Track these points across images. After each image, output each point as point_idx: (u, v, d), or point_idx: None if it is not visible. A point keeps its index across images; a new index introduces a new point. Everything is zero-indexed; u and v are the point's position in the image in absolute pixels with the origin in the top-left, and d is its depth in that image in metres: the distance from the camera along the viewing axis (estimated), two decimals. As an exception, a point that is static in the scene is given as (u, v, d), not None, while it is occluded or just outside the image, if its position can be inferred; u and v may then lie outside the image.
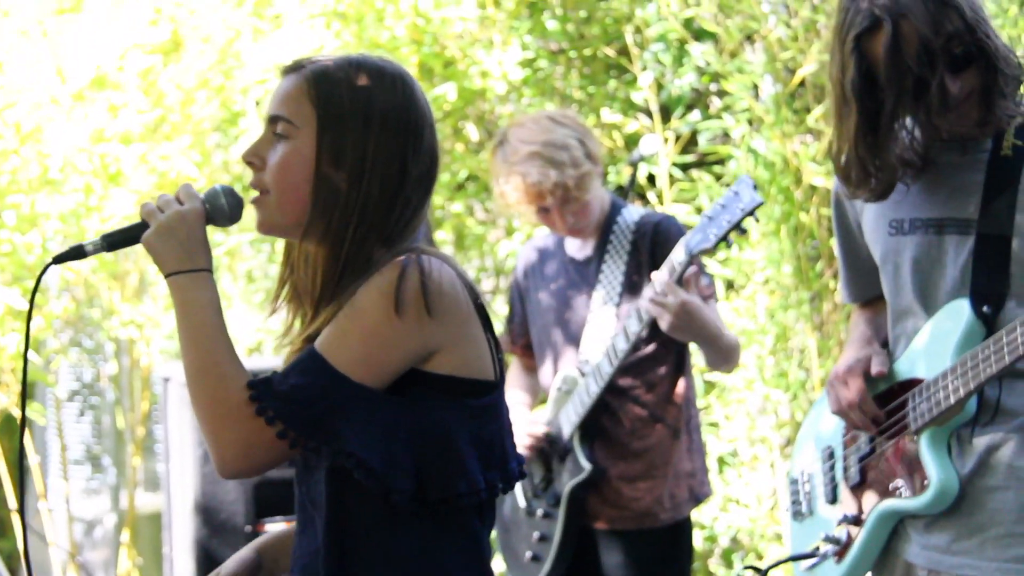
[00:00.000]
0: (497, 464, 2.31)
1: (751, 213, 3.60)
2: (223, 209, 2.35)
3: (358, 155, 2.27)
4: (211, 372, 2.23)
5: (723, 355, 3.94)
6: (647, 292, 3.76)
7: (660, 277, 3.74)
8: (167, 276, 2.29)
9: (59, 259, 2.33)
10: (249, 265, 7.16)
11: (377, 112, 2.29)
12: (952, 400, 2.84)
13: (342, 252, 2.27)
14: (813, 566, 3.14)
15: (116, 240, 2.35)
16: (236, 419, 2.20)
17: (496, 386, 2.31)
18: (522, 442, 4.07)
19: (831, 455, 3.17)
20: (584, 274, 4.08)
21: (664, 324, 3.75)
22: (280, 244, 2.45)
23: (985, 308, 2.86)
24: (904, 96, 2.79)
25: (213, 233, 6.06)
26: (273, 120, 2.32)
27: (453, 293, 2.24)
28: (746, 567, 3.17)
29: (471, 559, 2.30)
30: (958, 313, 2.88)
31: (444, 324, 2.22)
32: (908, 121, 2.86)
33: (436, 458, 2.23)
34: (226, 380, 2.22)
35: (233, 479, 2.44)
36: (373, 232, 2.27)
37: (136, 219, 2.34)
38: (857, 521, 3.05)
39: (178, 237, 2.29)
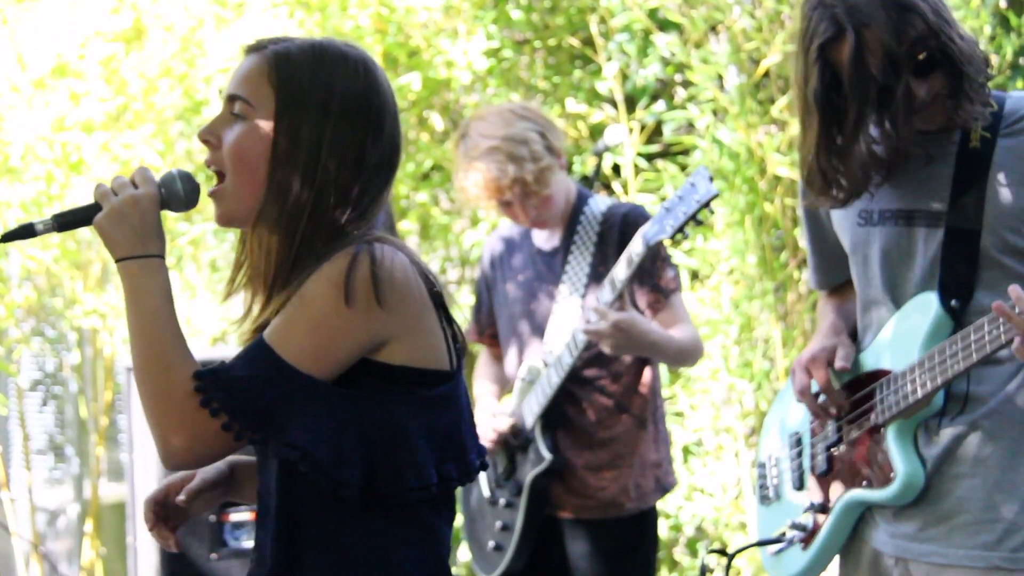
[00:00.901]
0: (454, 456, 2.28)
1: (707, 205, 3.60)
2: (178, 194, 2.30)
3: (315, 141, 2.23)
4: (156, 361, 2.19)
5: (674, 360, 3.98)
6: (581, 321, 3.78)
7: (590, 304, 3.77)
8: (118, 261, 2.25)
9: (7, 237, 2.28)
10: (213, 254, 7.13)
11: (337, 98, 2.25)
12: (919, 395, 2.84)
13: (295, 239, 2.23)
14: (779, 552, 3.14)
15: (67, 221, 2.30)
16: (181, 410, 2.16)
17: (451, 376, 2.27)
18: (486, 435, 4.07)
19: (798, 442, 3.17)
20: (551, 265, 4.08)
21: (605, 347, 3.77)
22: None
23: (953, 302, 2.86)
24: (868, 105, 2.79)
25: (177, 222, 6.08)
26: (231, 99, 2.29)
27: (406, 282, 2.20)
28: (711, 551, 3.18)
29: (424, 552, 2.27)
30: (926, 306, 2.89)
31: (396, 314, 2.18)
32: (872, 129, 2.85)
33: (387, 451, 2.20)
34: (171, 370, 2.18)
35: (177, 471, 2.38)
36: (327, 219, 2.24)
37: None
38: (823, 509, 3.05)
39: (130, 221, 2.24)
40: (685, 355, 3.99)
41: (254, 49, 2.31)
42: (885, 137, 2.84)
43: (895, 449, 2.90)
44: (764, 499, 3.28)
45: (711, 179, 3.61)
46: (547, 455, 3.99)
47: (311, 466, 2.16)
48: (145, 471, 4.95)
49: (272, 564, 2.25)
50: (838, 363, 3.01)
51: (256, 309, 2.32)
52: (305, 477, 2.18)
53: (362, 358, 2.19)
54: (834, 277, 3.21)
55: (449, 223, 6.68)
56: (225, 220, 2.32)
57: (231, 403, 2.15)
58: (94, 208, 2.28)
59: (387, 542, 2.24)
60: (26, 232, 2.28)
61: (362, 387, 2.20)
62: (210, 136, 2.29)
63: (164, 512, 2.44)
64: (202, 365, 2.22)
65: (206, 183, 2.34)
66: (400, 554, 2.25)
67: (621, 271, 3.75)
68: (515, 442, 4.09)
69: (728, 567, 3.14)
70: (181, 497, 2.42)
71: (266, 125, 2.25)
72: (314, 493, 2.20)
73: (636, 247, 3.71)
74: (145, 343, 2.21)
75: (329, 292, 2.15)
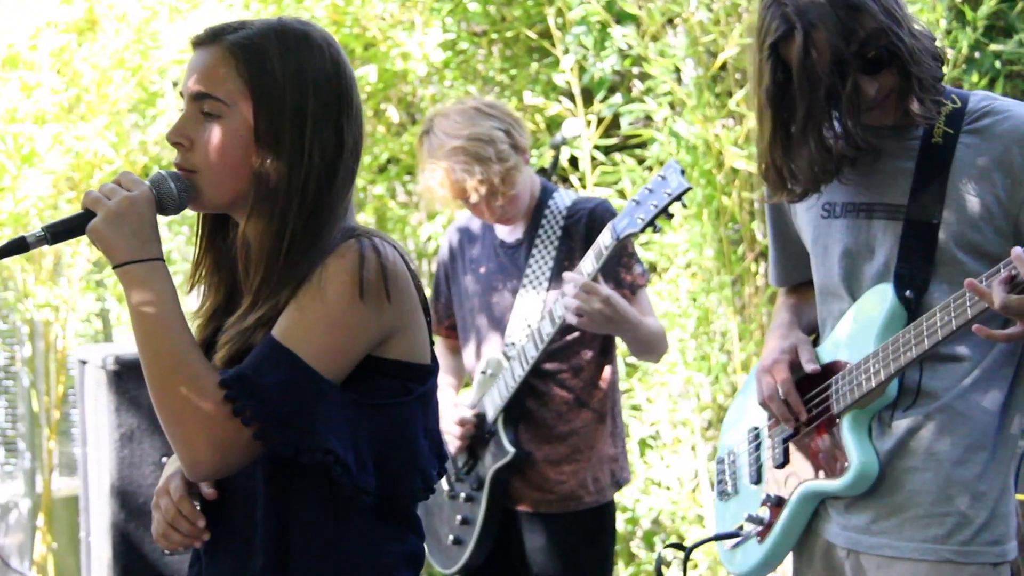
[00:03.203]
0: (439, 451, 2.30)
1: (678, 198, 3.59)
2: (172, 194, 2.23)
3: (298, 129, 2.19)
4: (180, 372, 2.13)
5: (644, 347, 3.95)
6: (566, 295, 3.74)
7: (583, 266, 3.74)
8: (117, 266, 2.18)
9: (0, 253, 2.19)
10: (168, 247, 7.08)
11: (310, 81, 2.21)
12: (873, 383, 2.85)
13: (286, 232, 2.18)
14: (736, 545, 3.16)
15: (59, 231, 2.22)
16: (212, 421, 2.11)
17: (434, 372, 2.28)
18: (451, 429, 4.05)
19: (757, 436, 3.19)
20: (513, 258, 4.06)
21: (579, 321, 3.74)
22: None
23: (908, 293, 2.88)
24: (816, 103, 2.80)
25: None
26: (199, 97, 2.21)
27: (405, 276, 2.20)
28: (668, 545, 3.18)
29: (408, 545, 2.27)
30: (881, 297, 2.90)
31: (399, 308, 2.18)
32: (836, 125, 2.86)
33: (394, 455, 2.19)
34: (198, 380, 2.12)
35: (206, 481, 2.28)
36: (317, 208, 2.20)
37: (60, 203, 2.25)
38: (780, 502, 3.06)
39: (130, 224, 2.17)
40: (654, 344, 3.97)
41: (208, 40, 2.24)
42: (842, 132, 2.85)
43: (850, 439, 2.92)
44: (722, 494, 3.29)
45: (683, 172, 3.59)
46: (510, 449, 3.98)
47: (342, 471, 2.13)
48: (98, 465, 4.90)
49: (263, 557, 2.21)
50: (807, 367, 3.02)
51: (213, 299, 2.29)
52: (298, 479, 2.16)
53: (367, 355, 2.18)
54: (794, 276, 3.23)
55: (406, 216, 6.67)
56: (199, 206, 2.26)
57: (263, 411, 2.11)
58: (85, 216, 2.21)
59: (376, 538, 2.23)
60: (19, 247, 2.21)
61: (366, 390, 2.18)
62: (181, 138, 2.23)
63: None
64: None
65: None
66: (388, 549, 2.24)
67: (588, 264, 3.73)
68: (475, 434, 4.08)
69: (685, 561, 3.15)
70: (209, 490, 2.32)
71: (245, 122, 2.19)
72: (307, 494, 2.18)
73: (605, 239, 3.69)
74: (164, 353, 2.14)
75: (344, 290, 2.13)
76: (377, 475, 2.17)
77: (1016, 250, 2.56)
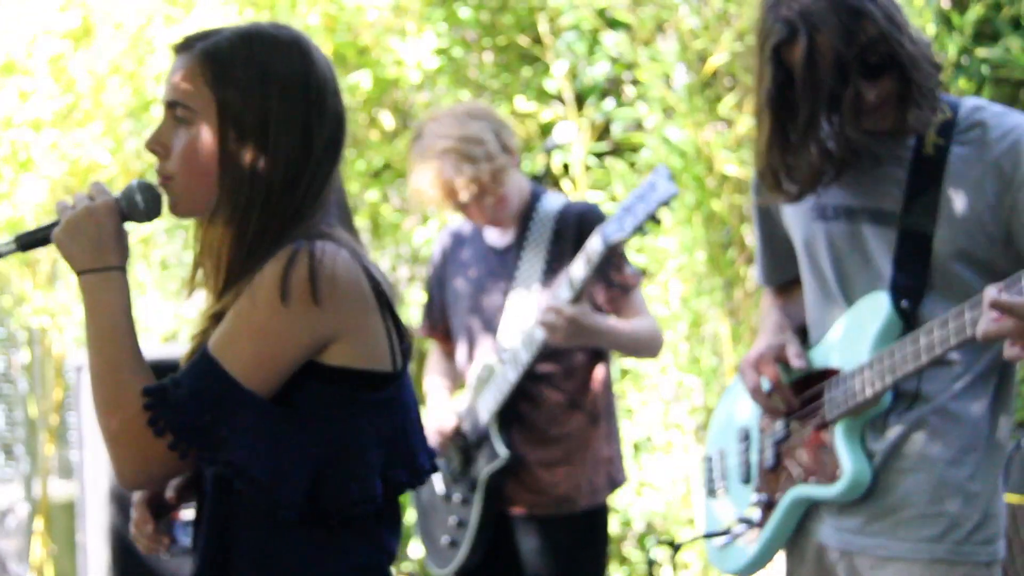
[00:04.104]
0: (402, 460, 2.24)
1: (667, 203, 3.63)
2: (138, 205, 2.26)
3: (261, 135, 2.18)
4: (110, 378, 2.14)
5: (632, 350, 3.99)
6: (543, 305, 3.79)
7: (545, 302, 3.79)
8: (77, 275, 2.20)
9: None
10: (164, 252, 7.09)
11: (275, 86, 2.19)
12: (868, 394, 2.86)
13: (247, 234, 2.18)
14: (725, 545, 3.16)
15: (28, 241, 2.27)
16: (132, 429, 2.11)
17: (396, 378, 2.22)
18: (431, 437, 4.06)
19: (747, 436, 3.19)
20: (503, 262, 4.08)
21: (554, 340, 3.78)
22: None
23: (904, 303, 2.88)
24: (818, 107, 2.80)
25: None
26: (172, 105, 2.23)
27: (349, 280, 2.14)
28: (659, 542, 3.19)
29: (363, 560, 2.22)
30: (877, 306, 2.91)
31: (337, 313, 2.13)
32: (825, 127, 2.88)
33: (332, 466, 2.14)
34: (124, 388, 2.13)
35: (134, 490, 2.31)
36: (280, 210, 2.19)
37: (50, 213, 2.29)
38: (770, 504, 3.07)
39: (87, 233, 2.20)
40: (642, 345, 3.99)
41: (183, 47, 2.25)
42: (836, 136, 2.86)
43: (842, 447, 2.92)
44: (711, 492, 3.29)
45: (671, 177, 3.63)
46: (503, 452, 3.99)
47: (248, 485, 2.11)
48: (95, 469, 4.93)
49: (203, 570, 2.21)
50: (794, 361, 3.02)
51: (206, 307, 2.27)
52: (240, 491, 2.14)
53: (308, 361, 2.14)
54: (781, 274, 3.23)
55: (399, 221, 6.68)
56: (178, 211, 2.28)
57: (176, 421, 2.10)
58: (55, 225, 2.24)
59: (323, 553, 2.19)
60: None
61: (305, 398, 2.14)
62: (157, 146, 2.24)
63: (155, 511, 2.39)
64: (153, 366, 2.18)
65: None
66: (336, 564, 2.20)
67: (579, 270, 3.76)
68: (468, 437, 4.10)
69: (674, 558, 3.16)
70: (170, 493, 2.37)
71: (210, 127, 2.20)
72: (247, 505, 2.16)
73: (595, 246, 3.71)
74: (100, 360, 2.16)
75: (267, 296, 2.10)
76: (314, 487, 2.13)
77: None
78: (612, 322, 3.89)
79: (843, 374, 2.93)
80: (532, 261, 4.03)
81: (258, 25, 2.26)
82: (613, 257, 3.89)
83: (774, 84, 2.83)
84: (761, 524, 3.09)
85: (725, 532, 3.14)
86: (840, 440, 2.93)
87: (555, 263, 3.99)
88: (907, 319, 2.88)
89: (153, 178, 2.29)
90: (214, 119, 2.20)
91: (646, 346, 4.02)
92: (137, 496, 2.39)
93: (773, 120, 2.86)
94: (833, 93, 2.79)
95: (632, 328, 3.94)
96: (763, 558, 3.11)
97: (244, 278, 2.16)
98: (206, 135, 2.20)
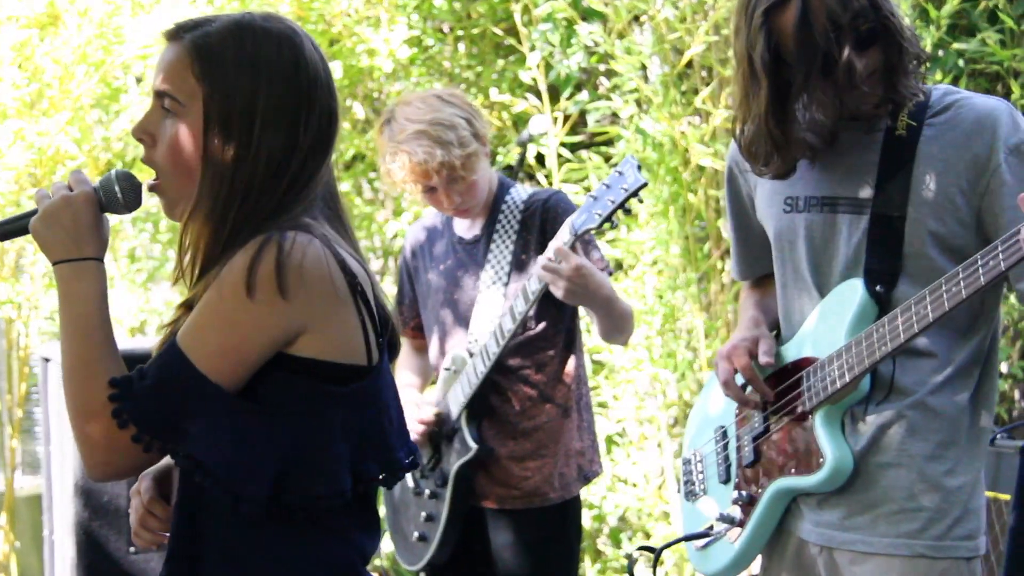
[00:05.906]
0: (375, 455, 2.22)
1: (635, 194, 3.61)
2: (116, 195, 2.26)
3: (246, 130, 2.18)
4: (80, 370, 2.15)
5: (618, 322, 3.94)
6: (540, 259, 3.74)
7: (553, 244, 3.73)
8: (53, 264, 2.20)
9: None
10: (132, 244, 7.04)
11: (263, 80, 2.19)
12: (847, 378, 2.85)
13: (224, 231, 2.18)
14: (707, 545, 3.14)
15: (5, 231, 2.27)
16: (99, 420, 2.11)
17: (369, 371, 2.20)
18: (412, 427, 4.04)
19: (724, 435, 3.18)
20: (472, 254, 4.06)
21: (559, 290, 3.72)
22: (164, 223, 2.38)
23: (878, 287, 2.88)
24: (813, 72, 2.79)
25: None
26: (160, 95, 2.22)
27: (317, 272, 2.12)
28: (640, 548, 3.16)
29: (332, 556, 2.21)
30: (851, 292, 2.90)
31: (306, 304, 2.11)
32: (805, 99, 2.85)
33: (297, 461, 2.13)
34: (93, 379, 2.14)
35: (102, 482, 2.32)
36: (260, 207, 2.18)
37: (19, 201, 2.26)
38: (751, 500, 3.06)
39: (63, 224, 2.20)
40: (625, 322, 3.96)
41: (173, 36, 2.24)
42: (812, 122, 2.85)
43: (823, 434, 2.91)
44: (690, 495, 3.27)
45: (639, 168, 3.60)
46: (473, 445, 3.97)
47: (208, 479, 2.11)
48: (62, 463, 4.88)
49: (172, 563, 2.21)
50: (762, 359, 3.03)
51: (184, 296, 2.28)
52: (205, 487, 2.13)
53: (277, 352, 2.13)
54: (757, 268, 3.23)
55: (372, 213, 6.65)
56: (172, 213, 2.26)
57: (138, 413, 2.10)
58: (33, 215, 2.24)
59: (290, 548, 2.18)
60: None
61: (272, 390, 2.13)
62: (143, 135, 2.24)
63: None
64: (123, 357, 2.17)
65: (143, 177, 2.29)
66: (304, 560, 2.18)
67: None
68: (439, 431, 4.07)
69: (655, 564, 3.13)
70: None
71: (196, 119, 2.19)
72: (217, 501, 2.14)
73: (564, 236, 3.69)
74: (71, 351, 2.16)
75: (233, 288, 2.09)
76: (280, 481, 2.12)
77: None
78: (612, 289, 3.85)
79: (820, 362, 2.93)
80: (500, 252, 4.01)
81: (250, 16, 2.25)
82: (582, 244, 3.85)
83: (768, 49, 2.80)
84: (742, 523, 3.06)
85: (706, 533, 3.11)
86: (820, 428, 2.92)
87: (523, 253, 3.97)
88: (881, 303, 2.87)
89: (121, 167, 2.25)
90: (200, 112, 2.19)
91: (628, 325, 3.98)
92: (148, 491, 2.37)
93: (770, 87, 2.83)
94: (827, 57, 2.76)
95: (624, 304, 3.92)
96: (746, 556, 3.10)
97: (216, 268, 2.15)
98: (191, 128, 2.20)
